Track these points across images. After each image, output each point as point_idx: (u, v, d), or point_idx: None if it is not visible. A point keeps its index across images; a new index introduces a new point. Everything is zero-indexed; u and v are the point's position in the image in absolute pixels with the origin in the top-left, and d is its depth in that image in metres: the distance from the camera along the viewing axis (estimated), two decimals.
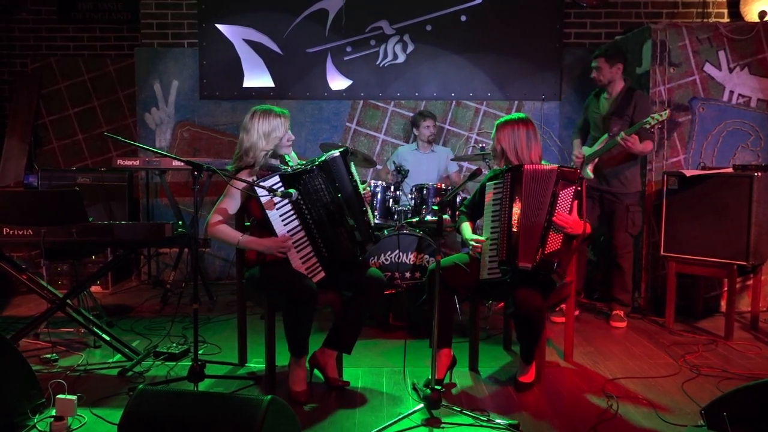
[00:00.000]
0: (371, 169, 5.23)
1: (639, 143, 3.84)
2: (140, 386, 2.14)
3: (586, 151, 4.11)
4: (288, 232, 2.83)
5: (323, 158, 2.90)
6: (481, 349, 3.30)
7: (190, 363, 2.76)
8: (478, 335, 3.27)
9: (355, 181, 2.98)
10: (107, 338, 3.29)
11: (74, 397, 2.51)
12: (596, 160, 4.04)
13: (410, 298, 3.85)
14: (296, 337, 2.81)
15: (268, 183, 2.78)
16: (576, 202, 2.87)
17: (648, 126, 3.78)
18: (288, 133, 2.95)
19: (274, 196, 2.77)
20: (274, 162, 2.99)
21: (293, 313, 2.77)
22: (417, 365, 3.24)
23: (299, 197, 2.80)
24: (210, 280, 5.22)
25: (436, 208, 2.68)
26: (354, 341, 2.99)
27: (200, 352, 3.47)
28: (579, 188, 2.88)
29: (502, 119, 3.09)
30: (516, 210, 2.89)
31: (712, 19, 5.39)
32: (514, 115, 3.09)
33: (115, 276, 5.15)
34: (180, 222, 3.19)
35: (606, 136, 3.97)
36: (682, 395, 2.89)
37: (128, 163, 4.57)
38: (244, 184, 2.81)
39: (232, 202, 2.93)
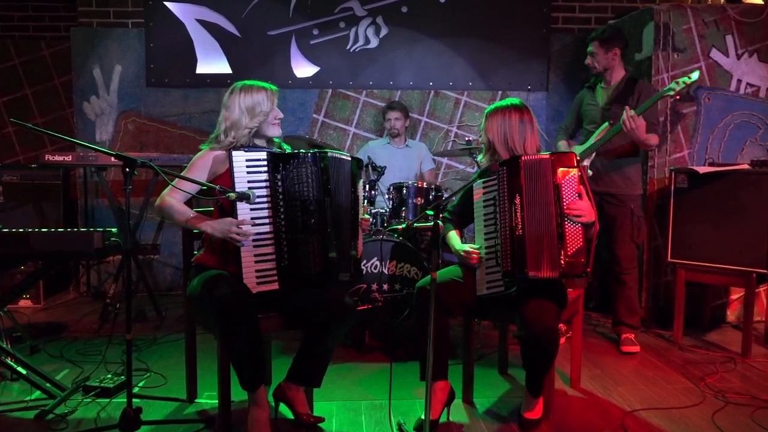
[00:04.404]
0: None
1: (644, 129, 3.31)
2: None
3: (577, 149, 3.58)
4: (252, 219, 2.34)
5: (325, 151, 2.47)
6: (474, 374, 2.80)
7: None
8: (472, 360, 2.77)
9: (356, 198, 2.53)
10: (23, 371, 2.69)
11: None
12: (593, 155, 3.57)
13: (389, 314, 3.34)
14: (242, 365, 2.29)
15: (253, 156, 2.38)
16: (582, 187, 2.42)
17: (672, 93, 3.25)
18: (275, 110, 2.54)
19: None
20: (260, 143, 2.58)
21: (227, 332, 2.24)
22: (402, 396, 2.74)
23: (279, 184, 2.37)
24: (159, 292, 4.62)
25: (431, 213, 2.16)
26: (322, 375, 2.49)
27: (140, 385, 2.90)
28: (581, 172, 2.43)
29: (492, 106, 2.62)
30: (518, 209, 2.42)
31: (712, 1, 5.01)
32: (507, 100, 2.61)
33: (48, 288, 4.50)
34: (115, 230, 2.62)
35: (605, 125, 3.45)
36: (716, 431, 2.45)
37: (59, 158, 3.90)
38: (216, 154, 2.48)
39: (196, 173, 2.45)
